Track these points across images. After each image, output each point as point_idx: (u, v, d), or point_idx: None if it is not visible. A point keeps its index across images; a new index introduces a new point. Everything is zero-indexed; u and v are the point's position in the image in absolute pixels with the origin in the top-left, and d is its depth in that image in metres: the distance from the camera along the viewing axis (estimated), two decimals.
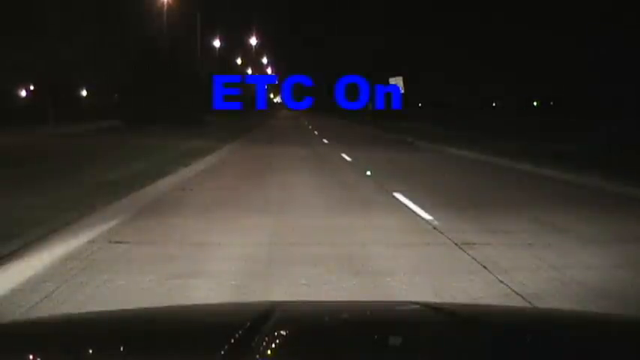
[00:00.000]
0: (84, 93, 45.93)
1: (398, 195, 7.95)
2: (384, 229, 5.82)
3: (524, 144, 18.18)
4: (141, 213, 6.41)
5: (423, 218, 6.41)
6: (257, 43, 74.54)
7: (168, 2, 35.99)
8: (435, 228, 5.88)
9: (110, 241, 5.02)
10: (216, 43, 51.57)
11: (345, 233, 5.61)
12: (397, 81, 27.19)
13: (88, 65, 31.26)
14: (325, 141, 22.03)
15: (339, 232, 5.65)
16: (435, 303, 2.00)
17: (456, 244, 5.21)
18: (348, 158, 14.32)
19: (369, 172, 10.90)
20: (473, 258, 4.74)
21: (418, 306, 1.84)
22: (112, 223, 5.69)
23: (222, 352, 1.17)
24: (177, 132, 22.02)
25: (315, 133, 29.08)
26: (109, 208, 6.36)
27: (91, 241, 4.96)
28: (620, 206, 7.94)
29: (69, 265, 4.24)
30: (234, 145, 18.86)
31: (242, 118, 43.97)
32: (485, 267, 4.48)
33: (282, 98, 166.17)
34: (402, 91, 27.12)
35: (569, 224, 6.30)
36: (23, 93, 39.25)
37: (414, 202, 7.27)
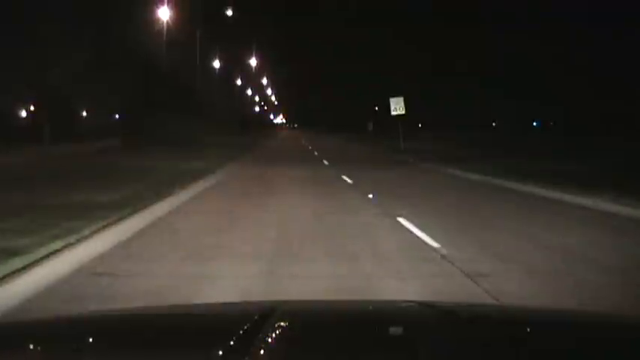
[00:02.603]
0: (84, 113, 46.09)
1: (402, 220, 7.59)
2: (389, 260, 5.46)
3: (527, 163, 17.91)
4: (130, 244, 6.07)
5: (429, 246, 6.05)
6: (257, 65, 75.01)
7: (167, 22, 36.00)
8: (443, 257, 5.53)
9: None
10: (216, 64, 51.71)
11: (348, 264, 5.26)
12: (398, 101, 26.93)
13: (86, 85, 31.24)
14: (325, 162, 21.77)
15: (342, 263, 5.29)
16: (436, 302, 1.98)
17: (467, 275, 4.86)
18: (348, 180, 14.00)
19: (370, 195, 10.56)
20: (486, 291, 4.39)
21: (419, 305, 1.84)
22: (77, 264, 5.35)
23: (225, 351, 1.18)
24: (176, 153, 21.83)
25: (315, 154, 28.85)
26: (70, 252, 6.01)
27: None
28: (631, 230, 7.61)
29: None
30: (234, 166, 18.63)
31: (243, 138, 43.96)
32: (498, 300, 4.13)
33: (281, 118, 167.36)
34: (403, 112, 26.85)
35: (588, 249, 5.95)
36: (23, 113, 39.32)
37: (420, 228, 6.92)
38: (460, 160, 19.65)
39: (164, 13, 34.76)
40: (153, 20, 34.85)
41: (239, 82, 69.59)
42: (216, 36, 50.51)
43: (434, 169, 18.15)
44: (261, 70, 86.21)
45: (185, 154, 21.74)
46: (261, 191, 11.38)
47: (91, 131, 36.08)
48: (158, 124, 30.05)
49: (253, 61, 73.71)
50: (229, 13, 48.16)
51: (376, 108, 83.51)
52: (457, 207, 9.36)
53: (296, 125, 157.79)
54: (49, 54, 24.63)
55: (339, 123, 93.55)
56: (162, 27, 35.52)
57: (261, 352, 1.22)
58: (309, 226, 7.39)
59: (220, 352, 1.18)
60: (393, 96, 27.12)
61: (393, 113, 27.00)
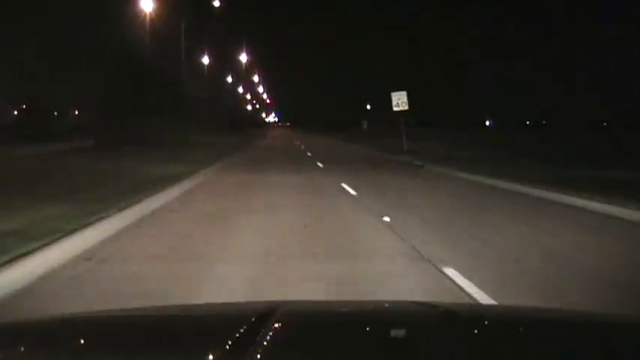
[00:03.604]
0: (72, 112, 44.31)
1: (457, 277, 4.48)
2: None
3: (544, 167, 15.05)
4: None
5: None
6: (247, 61, 71.93)
7: (150, 15, 32.90)
8: None
9: None
10: (205, 60, 48.81)
11: None
12: (400, 96, 23.98)
13: (59, 83, 29.14)
14: (320, 165, 18.80)
15: None
16: (436, 302, 1.80)
17: None
18: (351, 191, 11.04)
19: (387, 218, 7.56)
20: None
21: (419, 305, 1.81)
22: None
23: (225, 351, 1.19)
24: (153, 154, 19.19)
25: (308, 155, 25.90)
26: None
27: None
28: None
29: None
30: (213, 170, 15.68)
31: (232, 137, 41.23)
32: None
33: (274, 116, 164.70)
34: (406, 108, 23.89)
35: None
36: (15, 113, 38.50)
37: (494, 292, 3.94)
38: (476, 164, 16.76)
39: (147, 5, 31.89)
40: (134, 13, 31.91)
41: (229, 79, 66.71)
42: (204, 30, 47.78)
43: (453, 176, 15.10)
44: (251, 68, 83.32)
45: (163, 155, 19.16)
46: (238, 209, 8.40)
47: (74, 130, 34.01)
48: (140, 123, 27.40)
49: (243, 58, 70.62)
50: (216, 3, 45.01)
51: (368, 107, 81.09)
52: (531, 243, 6.16)
53: (288, 124, 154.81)
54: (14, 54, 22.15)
55: (332, 121, 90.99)
56: (145, 19, 32.61)
57: (261, 352, 1.19)
58: (304, 290, 4.39)
59: (220, 353, 1.18)
60: (395, 90, 24.17)
61: (395, 109, 24.05)
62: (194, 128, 38.98)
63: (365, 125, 63.30)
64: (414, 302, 1.93)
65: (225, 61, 58.17)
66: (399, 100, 23.93)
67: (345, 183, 12.18)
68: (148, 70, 30.34)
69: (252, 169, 16.74)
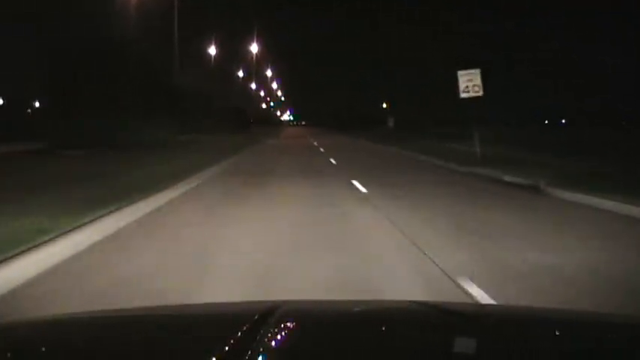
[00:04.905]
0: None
1: None
2: None
3: None
4: None
5: None
6: (257, 53, 64.52)
7: None
8: None
9: None
10: (204, 51, 42.00)
11: None
12: (471, 77, 16.05)
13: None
14: (357, 185, 10.99)
15: None
16: (437, 302, 1.78)
17: None
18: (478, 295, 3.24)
19: None
20: None
21: (419, 305, 1.78)
22: None
23: (225, 351, 1.16)
24: (92, 164, 13.86)
25: (332, 162, 18.16)
26: None
27: None
28: None
29: None
30: (160, 203, 8.21)
31: (236, 136, 34.39)
32: None
33: (289, 115, 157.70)
34: (480, 93, 15.94)
35: None
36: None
37: None
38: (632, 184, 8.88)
39: None
40: None
41: (240, 73, 59.64)
42: (205, 13, 40.96)
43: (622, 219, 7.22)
44: (263, 62, 76.22)
45: (105, 167, 12.75)
46: None
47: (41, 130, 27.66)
48: (110, 118, 20.98)
49: (254, 50, 63.24)
50: None
51: (384, 105, 73.76)
52: None
53: (304, 122, 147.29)
54: None
55: (351, 119, 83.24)
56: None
57: (261, 352, 1.16)
58: None
59: (220, 353, 1.15)
60: (463, 68, 16.20)
61: (464, 95, 16.11)
62: (194, 127, 32.70)
63: (391, 123, 55.10)
64: (414, 302, 1.85)
65: (229, 47, 50.97)
66: (470, 83, 15.97)
67: (418, 238, 4.76)
68: (122, 55, 23.45)
69: (236, 199, 9.03)
